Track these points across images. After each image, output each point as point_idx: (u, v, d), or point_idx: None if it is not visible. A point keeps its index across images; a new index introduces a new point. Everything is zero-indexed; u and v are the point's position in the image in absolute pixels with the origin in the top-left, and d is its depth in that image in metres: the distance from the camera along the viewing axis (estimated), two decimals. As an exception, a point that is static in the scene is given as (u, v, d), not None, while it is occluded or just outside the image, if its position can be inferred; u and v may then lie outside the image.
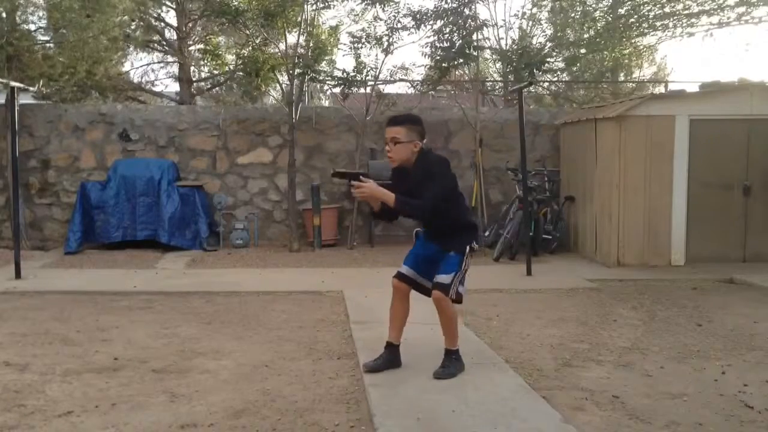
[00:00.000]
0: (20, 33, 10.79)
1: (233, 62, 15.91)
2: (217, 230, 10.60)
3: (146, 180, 10.20)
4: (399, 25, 10.47)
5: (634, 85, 17.48)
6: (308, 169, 10.99)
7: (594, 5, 15.38)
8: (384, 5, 10.43)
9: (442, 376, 4.35)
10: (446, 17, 10.30)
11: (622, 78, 17.94)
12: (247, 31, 11.02)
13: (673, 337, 5.55)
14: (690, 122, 8.74)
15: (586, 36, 15.03)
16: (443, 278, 4.38)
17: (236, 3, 10.72)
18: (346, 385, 4.36)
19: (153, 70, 19.17)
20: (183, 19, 16.29)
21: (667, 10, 13.73)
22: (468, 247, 4.45)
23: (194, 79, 17.30)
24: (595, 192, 9.26)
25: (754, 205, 9.01)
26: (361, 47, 10.64)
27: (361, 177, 4.27)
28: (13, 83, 8.29)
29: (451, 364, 4.44)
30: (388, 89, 11.64)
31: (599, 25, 14.76)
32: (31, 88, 10.19)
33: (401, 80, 11.28)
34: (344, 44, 10.99)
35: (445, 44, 10.42)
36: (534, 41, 15.58)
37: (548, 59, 14.46)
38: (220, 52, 15.67)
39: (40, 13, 11.49)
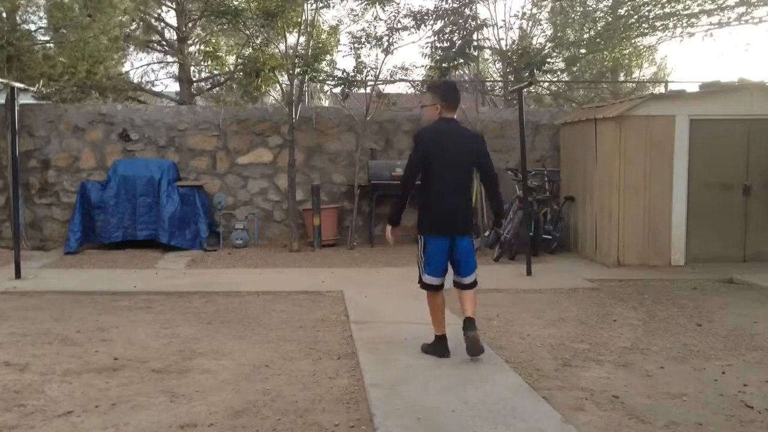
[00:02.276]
0: (20, 33, 10.77)
1: (234, 63, 15.91)
2: (217, 230, 10.60)
3: (146, 180, 10.19)
4: (399, 25, 10.47)
5: (634, 85, 17.48)
6: (308, 169, 10.99)
7: (594, 5, 15.39)
8: (384, 5, 10.43)
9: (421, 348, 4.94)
10: (446, 17, 10.30)
11: (622, 78, 17.94)
12: (247, 32, 11.02)
13: (673, 337, 5.55)
14: (690, 122, 8.74)
15: (586, 36, 15.04)
16: (471, 277, 5.05)
17: (236, 3, 10.71)
18: (346, 385, 4.36)
19: (153, 70, 19.15)
20: (183, 19, 16.28)
21: (667, 10, 13.73)
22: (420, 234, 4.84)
23: (194, 79, 17.29)
24: (595, 192, 9.26)
25: (754, 205, 9.01)
26: (361, 47, 10.65)
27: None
28: (14, 83, 8.29)
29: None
30: (388, 89, 11.65)
31: (599, 25, 14.77)
32: (31, 88, 10.19)
33: (401, 80, 11.28)
34: (344, 45, 11.02)
35: (445, 44, 10.42)
36: (534, 41, 15.59)
37: (548, 59, 14.45)
38: (220, 54, 15.66)
39: (41, 14, 11.48)
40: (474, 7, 10.45)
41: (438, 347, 4.85)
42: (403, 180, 4.84)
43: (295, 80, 10.67)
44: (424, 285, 4.86)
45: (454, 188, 4.77)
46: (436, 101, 4.83)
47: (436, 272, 4.79)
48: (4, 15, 10.88)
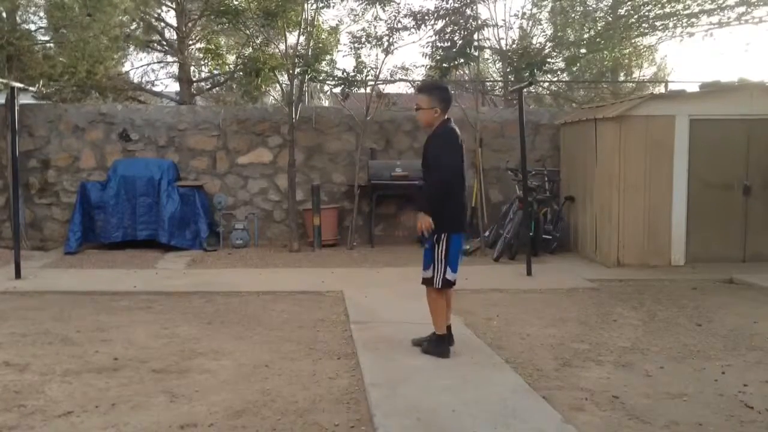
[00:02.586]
0: (20, 33, 10.77)
1: (234, 62, 15.91)
2: (217, 230, 10.60)
3: (146, 180, 10.19)
4: (399, 25, 10.47)
5: (634, 85, 17.47)
6: (308, 169, 10.99)
7: (594, 5, 15.38)
8: (384, 5, 10.43)
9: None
10: (447, 17, 10.30)
11: (622, 78, 17.94)
12: (248, 31, 11.02)
13: (673, 337, 5.55)
14: (690, 122, 8.74)
15: (586, 36, 15.03)
16: (426, 273, 4.88)
17: (236, 2, 10.71)
18: (346, 385, 4.36)
19: (153, 70, 19.16)
20: (183, 19, 16.29)
21: (667, 10, 13.73)
22: (443, 234, 4.82)
23: (194, 79, 17.29)
24: (595, 192, 9.26)
25: (754, 205, 9.01)
26: (361, 47, 10.65)
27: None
28: (14, 83, 8.29)
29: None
30: (388, 89, 11.65)
31: (599, 25, 14.76)
32: (31, 88, 10.17)
33: (401, 80, 11.29)
34: (344, 44, 11.02)
35: (446, 44, 10.42)
36: (534, 41, 15.59)
37: (548, 59, 14.45)
38: (221, 52, 15.66)
39: (41, 14, 11.47)
40: (475, 7, 10.44)
41: (439, 347, 4.86)
42: (449, 180, 4.78)
43: (295, 80, 10.66)
44: (447, 283, 4.84)
45: (464, 187, 4.98)
46: (435, 104, 4.85)
47: (457, 268, 4.91)
48: (4, 15, 10.88)
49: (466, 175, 5.08)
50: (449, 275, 4.82)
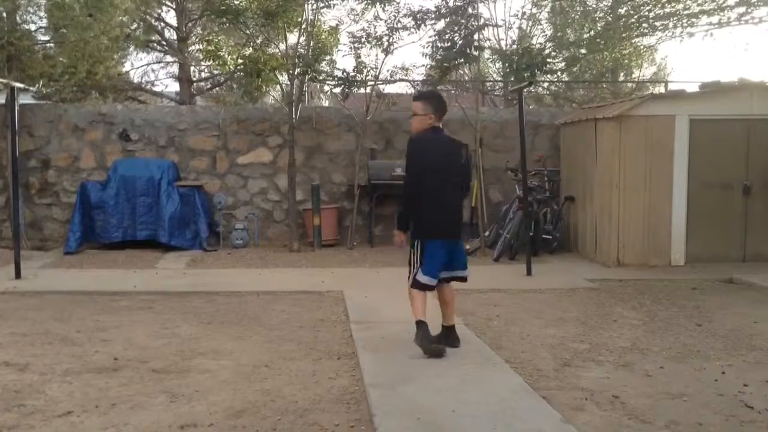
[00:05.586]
0: (21, 33, 10.79)
1: (234, 62, 15.90)
2: (217, 230, 10.60)
3: (146, 180, 10.19)
4: (399, 25, 10.47)
5: (634, 85, 17.48)
6: (308, 169, 10.99)
7: (594, 5, 15.39)
8: (384, 5, 10.42)
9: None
10: (447, 17, 10.30)
11: (622, 78, 17.95)
12: (248, 31, 11.02)
13: (673, 337, 5.55)
14: (690, 122, 8.74)
15: (586, 36, 15.04)
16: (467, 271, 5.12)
17: (237, 2, 10.70)
18: (346, 385, 4.36)
19: (153, 70, 19.16)
20: (183, 19, 16.30)
21: (667, 10, 13.73)
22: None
23: (194, 79, 17.31)
24: (595, 192, 9.26)
25: (754, 205, 9.01)
26: (361, 47, 10.64)
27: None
28: (14, 83, 8.29)
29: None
30: (388, 89, 11.66)
31: (599, 25, 14.77)
32: (31, 88, 10.18)
33: (401, 80, 11.28)
34: (344, 44, 11.02)
35: (446, 44, 10.42)
36: (534, 41, 15.59)
37: (548, 59, 14.46)
38: (221, 53, 15.65)
39: (41, 13, 11.49)
40: (476, 6, 10.43)
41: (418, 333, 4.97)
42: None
43: (296, 80, 10.66)
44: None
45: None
46: (429, 111, 4.95)
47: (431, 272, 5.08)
48: (4, 15, 10.89)
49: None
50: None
